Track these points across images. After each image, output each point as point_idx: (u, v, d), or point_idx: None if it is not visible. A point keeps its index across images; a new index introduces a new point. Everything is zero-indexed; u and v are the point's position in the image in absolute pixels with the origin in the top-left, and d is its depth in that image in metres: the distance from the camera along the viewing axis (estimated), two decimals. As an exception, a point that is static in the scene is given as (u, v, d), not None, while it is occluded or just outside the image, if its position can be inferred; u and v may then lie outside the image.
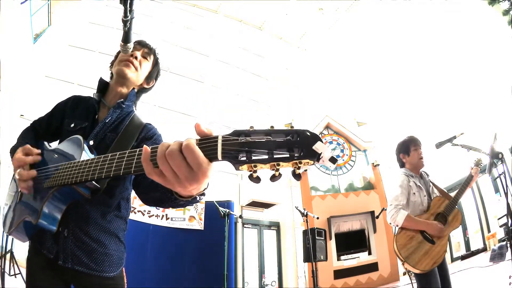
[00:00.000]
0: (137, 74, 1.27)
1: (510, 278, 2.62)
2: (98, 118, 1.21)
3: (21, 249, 4.08)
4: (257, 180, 0.56)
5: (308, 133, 0.54)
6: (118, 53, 1.32)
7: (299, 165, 0.53)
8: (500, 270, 4.11)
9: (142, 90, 1.35)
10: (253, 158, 0.54)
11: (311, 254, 4.19)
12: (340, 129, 9.13)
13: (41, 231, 1.05)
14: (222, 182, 8.20)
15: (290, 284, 7.85)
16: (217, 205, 4.56)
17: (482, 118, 6.21)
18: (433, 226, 2.12)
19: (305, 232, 4.83)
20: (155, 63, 1.37)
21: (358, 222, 8.02)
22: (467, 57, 7.09)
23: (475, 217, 6.64)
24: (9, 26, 5.01)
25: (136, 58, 1.26)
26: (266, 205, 8.34)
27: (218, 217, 4.52)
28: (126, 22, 1.02)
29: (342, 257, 7.60)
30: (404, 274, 7.25)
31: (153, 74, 1.37)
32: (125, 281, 1.18)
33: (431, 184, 2.37)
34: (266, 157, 0.54)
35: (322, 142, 0.53)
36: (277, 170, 0.55)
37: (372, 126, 9.62)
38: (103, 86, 1.28)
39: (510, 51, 5.87)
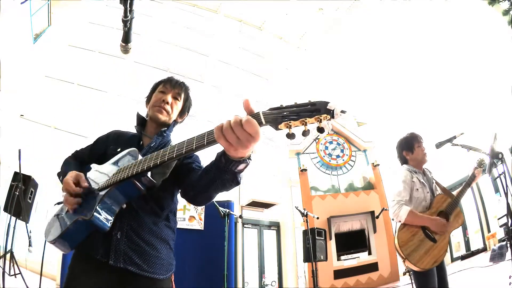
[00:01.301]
0: (169, 117, 1.38)
1: (510, 278, 2.62)
2: (143, 144, 1.32)
3: (21, 249, 4.09)
4: (292, 136, 0.77)
5: (322, 100, 0.76)
6: (152, 90, 1.43)
7: (320, 117, 0.75)
8: (500, 270, 4.11)
9: (176, 123, 1.46)
10: (287, 118, 0.75)
11: (311, 254, 4.19)
12: (340, 129, 9.13)
13: (90, 238, 1.07)
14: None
15: (290, 284, 7.85)
16: (217, 205, 4.56)
17: (482, 118, 6.21)
18: (437, 222, 2.11)
19: (305, 232, 4.83)
20: (186, 99, 1.47)
21: (358, 222, 8.02)
22: (467, 57, 7.08)
23: (475, 217, 6.63)
24: (9, 26, 5.01)
25: (167, 103, 1.36)
26: (266, 205, 8.34)
27: (218, 217, 4.52)
28: (126, 22, 1.03)
29: (342, 257, 7.61)
30: (404, 274, 7.24)
31: (185, 109, 1.48)
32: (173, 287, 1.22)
33: (434, 181, 2.37)
34: (296, 116, 0.75)
35: (332, 103, 0.76)
36: (305, 124, 0.76)
37: (372, 126, 9.62)
38: (141, 120, 1.40)
39: (510, 51, 5.87)
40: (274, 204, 8.43)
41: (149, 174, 1.03)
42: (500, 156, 2.33)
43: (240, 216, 5.81)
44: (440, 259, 2.08)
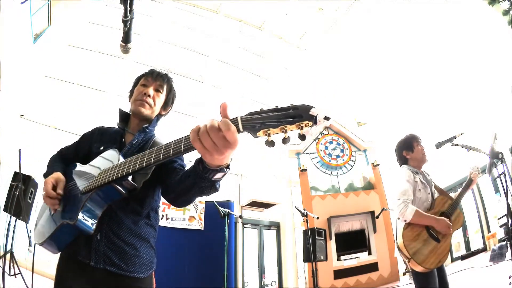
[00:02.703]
0: (152, 110, 1.36)
1: (510, 278, 2.62)
2: (125, 141, 1.32)
3: (21, 249, 4.09)
4: (271, 144, 0.73)
5: (305, 105, 0.72)
6: (134, 85, 1.43)
7: (302, 125, 0.71)
8: (500, 270, 4.11)
9: (160, 116, 1.45)
10: (265, 125, 0.71)
11: (311, 254, 4.19)
12: (340, 129, 9.13)
13: (75, 240, 1.10)
14: (222, 182, 8.19)
15: (290, 284, 7.85)
16: (217, 205, 4.56)
17: (482, 118, 6.21)
18: (442, 222, 2.11)
19: (305, 232, 4.82)
20: (170, 90, 1.44)
21: (358, 222, 8.02)
22: (467, 57, 7.08)
23: (475, 217, 6.63)
24: (9, 26, 5.00)
25: (149, 96, 1.34)
26: (266, 205, 8.34)
27: (218, 217, 4.52)
28: (126, 22, 1.03)
29: (342, 257, 7.60)
30: (404, 274, 7.25)
31: (169, 101, 1.45)
32: (154, 285, 1.24)
33: (432, 184, 2.37)
34: (276, 123, 0.71)
35: (316, 108, 0.72)
36: (286, 132, 0.71)
37: (372, 126, 9.62)
38: (123, 116, 1.40)
39: (510, 51, 5.86)
40: (274, 204, 8.43)
41: (129, 177, 1.04)
42: (500, 156, 2.33)
43: (240, 216, 5.80)
44: (444, 259, 2.08)
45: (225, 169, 0.90)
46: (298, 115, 0.71)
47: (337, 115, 9.38)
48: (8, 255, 3.75)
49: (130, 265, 1.13)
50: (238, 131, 0.73)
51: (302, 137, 0.72)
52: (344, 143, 9.06)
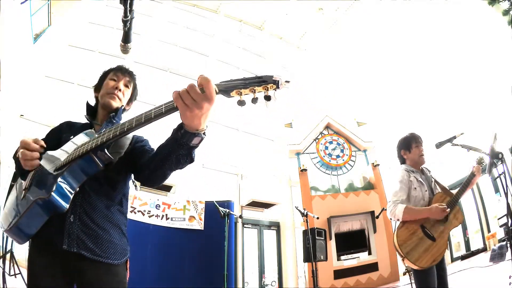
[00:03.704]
0: (121, 103, 1.42)
1: (510, 278, 2.62)
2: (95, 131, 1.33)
3: (21, 249, 4.09)
4: (242, 103, 0.87)
5: (268, 74, 0.86)
6: (101, 79, 1.46)
7: (267, 86, 0.85)
8: (500, 270, 4.11)
9: (124, 110, 1.49)
10: (237, 87, 0.85)
11: (311, 254, 4.19)
12: (340, 129, 9.13)
13: (46, 225, 1.06)
14: (222, 182, 8.20)
15: (290, 284, 7.85)
16: (217, 205, 4.56)
17: (482, 118, 6.20)
18: (435, 209, 2.10)
19: (305, 232, 4.82)
20: (134, 87, 1.50)
21: (358, 222, 8.02)
22: (467, 57, 7.08)
23: (475, 217, 6.63)
24: (9, 26, 5.00)
25: (120, 90, 1.40)
26: (266, 205, 8.34)
27: (218, 217, 4.52)
28: (126, 22, 1.04)
29: (342, 257, 7.60)
30: (404, 274, 7.24)
31: (133, 98, 1.52)
32: (128, 274, 1.21)
33: (433, 180, 2.36)
34: (244, 86, 0.85)
35: (276, 75, 0.86)
36: (254, 92, 0.85)
37: (372, 126, 9.61)
38: (90, 110, 1.44)
39: (510, 51, 5.86)
40: (274, 204, 8.42)
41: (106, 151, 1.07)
42: (500, 156, 2.32)
43: (240, 216, 5.80)
44: (439, 258, 2.07)
45: (202, 134, 0.97)
46: (263, 81, 0.85)
47: (337, 115, 9.39)
48: (8, 255, 3.75)
49: (104, 250, 1.12)
50: (215, 91, 0.85)
51: (268, 97, 0.85)
52: (344, 143, 9.06)
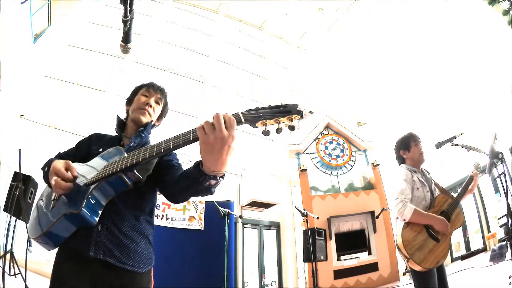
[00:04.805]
0: (150, 119, 1.46)
1: (510, 278, 2.61)
2: (123, 145, 1.38)
3: (21, 249, 4.09)
4: (267, 133, 0.90)
5: (292, 103, 0.90)
6: (133, 93, 1.50)
7: (292, 117, 0.88)
8: (500, 270, 4.11)
9: (153, 125, 1.52)
10: (263, 117, 0.88)
11: (311, 254, 4.19)
12: (340, 129, 9.12)
13: (74, 234, 1.09)
14: (222, 182, 8.19)
15: (290, 284, 7.85)
16: (217, 205, 4.56)
17: (482, 118, 6.21)
18: (441, 221, 2.10)
19: (305, 232, 4.82)
20: (165, 104, 1.54)
21: (358, 222, 8.02)
22: (467, 57, 7.09)
23: (475, 217, 6.63)
24: (9, 26, 5.00)
25: (151, 106, 1.44)
26: (266, 205, 8.34)
27: (218, 217, 4.52)
28: (126, 22, 1.04)
29: (342, 257, 7.60)
30: (404, 274, 7.25)
31: (163, 114, 1.56)
32: (152, 282, 1.26)
33: (433, 182, 2.36)
34: (270, 116, 0.88)
35: (301, 105, 0.90)
36: (279, 123, 0.89)
37: (372, 126, 9.61)
38: (120, 123, 1.47)
39: (510, 51, 5.86)
40: (274, 204, 8.42)
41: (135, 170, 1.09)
42: (500, 156, 2.32)
43: (240, 216, 5.81)
44: (443, 259, 2.07)
45: (219, 178, 0.98)
46: (288, 111, 0.88)
47: (337, 115, 9.39)
48: (8, 255, 3.75)
49: (130, 258, 1.14)
50: (240, 122, 0.87)
51: (292, 127, 0.89)
52: (344, 143, 9.05)
